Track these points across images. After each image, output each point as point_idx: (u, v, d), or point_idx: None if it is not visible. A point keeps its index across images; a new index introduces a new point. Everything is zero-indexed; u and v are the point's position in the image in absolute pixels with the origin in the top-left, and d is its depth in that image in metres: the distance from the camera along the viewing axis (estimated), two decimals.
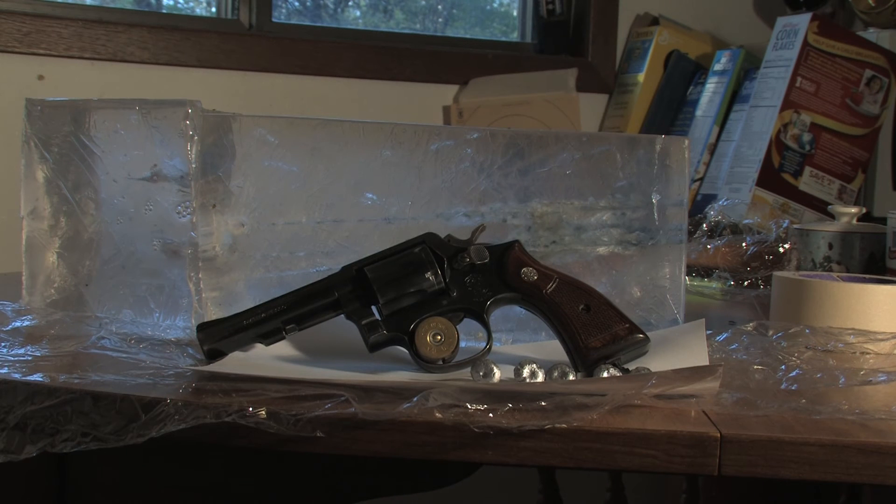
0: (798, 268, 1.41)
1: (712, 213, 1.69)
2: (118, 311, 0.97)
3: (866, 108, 1.95)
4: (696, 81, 2.22)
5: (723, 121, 2.08)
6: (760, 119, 1.94)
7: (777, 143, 1.90)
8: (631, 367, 0.83)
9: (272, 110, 2.02)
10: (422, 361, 0.83)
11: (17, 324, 0.94)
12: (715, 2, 2.38)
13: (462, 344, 0.84)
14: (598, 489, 1.86)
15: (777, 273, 1.10)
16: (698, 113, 2.14)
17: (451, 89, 2.19)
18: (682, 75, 2.24)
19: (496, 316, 0.88)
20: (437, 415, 0.69)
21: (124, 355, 0.84)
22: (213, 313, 0.92)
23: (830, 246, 1.39)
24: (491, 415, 0.70)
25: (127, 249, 0.96)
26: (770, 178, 1.90)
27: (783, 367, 0.85)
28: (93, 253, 0.97)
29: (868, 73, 1.94)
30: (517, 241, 0.87)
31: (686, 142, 1.00)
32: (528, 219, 0.97)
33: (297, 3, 2.28)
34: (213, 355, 0.83)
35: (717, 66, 2.15)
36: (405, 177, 0.96)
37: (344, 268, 0.86)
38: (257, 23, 2.11)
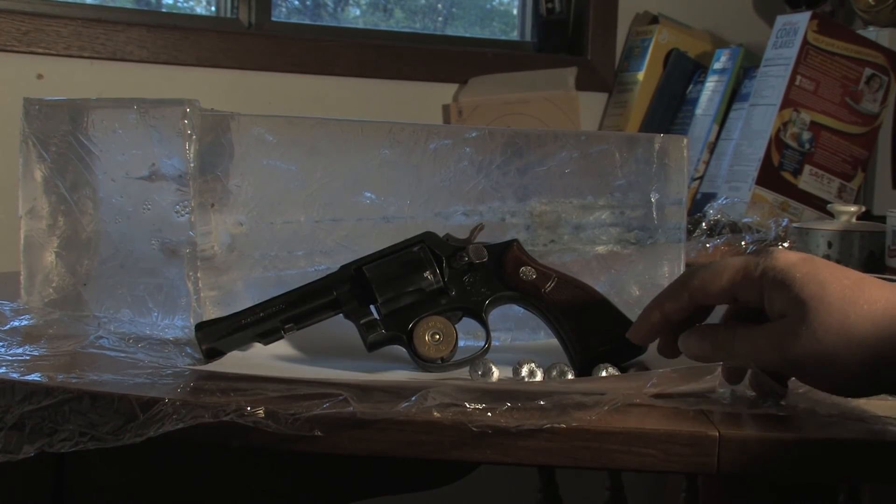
0: None
1: (711, 211, 1.69)
2: (116, 311, 0.96)
3: (866, 106, 1.95)
4: (696, 80, 2.22)
5: (722, 119, 2.07)
6: (760, 117, 1.94)
7: (777, 142, 1.90)
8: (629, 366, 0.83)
9: (271, 109, 2.02)
10: (420, 361, 0.82)
11: (16, 323, 0.93)
12: (714, 0, 2.38)
13: (461, 343, 0.83)
14: (597, 489, 1.86)
15: None
16: (698, 111, 2.14)
17: (451, 88, 2.19)
18: (682, 74, 2.24)
19: (495, 315, 0.88)
20: (436, 414, 0.69)
21: (122, 355, 0.84)
22: (212, 312, 0.92)
23: (830, 244, 1.39)
24: (489, 414, 0.70)
25: (125, 249, 0.96)
26: (770, 176, 1.90)
27: None
28: (91, 252, 0.97)
29: (868, 71, 1.94)
30: (516, 240, 0.87)
31: (685, 140, 1.00)
32: (526, 218, 0.97)
33: (296, 2, 2.28)
34: (212, 355, 0.83)
35: (717, 65, 2.14)
36: (404, 176, 0.96)
37: (342, 267, 0.86)
38: (256, 22, 2.11)
